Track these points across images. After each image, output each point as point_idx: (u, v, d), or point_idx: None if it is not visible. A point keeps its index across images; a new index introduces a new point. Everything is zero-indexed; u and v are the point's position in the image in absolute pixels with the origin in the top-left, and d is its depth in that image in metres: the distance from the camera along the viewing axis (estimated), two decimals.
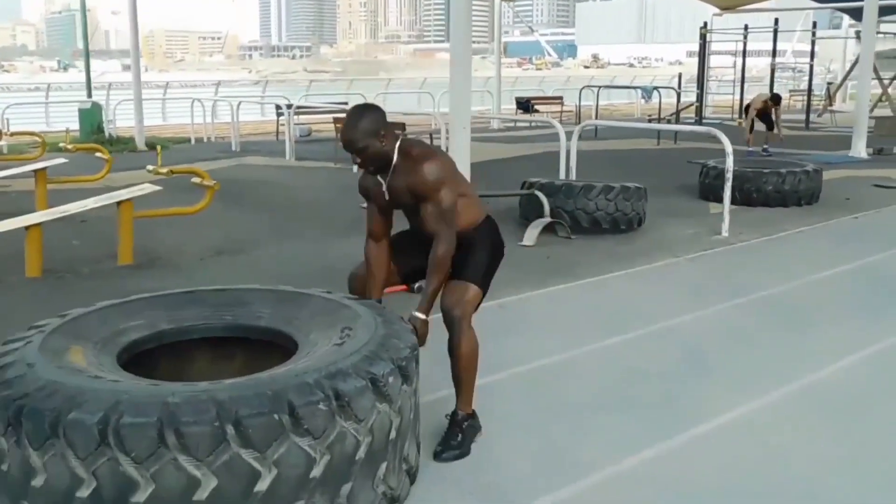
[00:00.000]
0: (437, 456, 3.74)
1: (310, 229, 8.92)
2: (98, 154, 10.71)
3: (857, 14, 24.56)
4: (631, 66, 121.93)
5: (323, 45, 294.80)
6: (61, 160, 10.09)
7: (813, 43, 23.26)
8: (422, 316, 3.67)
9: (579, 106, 22.47)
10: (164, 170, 8.43)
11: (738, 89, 22.95)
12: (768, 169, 10.36)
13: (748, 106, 15.98)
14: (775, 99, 15.95)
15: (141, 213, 7.56)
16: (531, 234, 8.13)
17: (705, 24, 21.42)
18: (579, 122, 15.71)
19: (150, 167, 8.49)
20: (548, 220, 8.29)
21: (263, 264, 7.44)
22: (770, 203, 10.03)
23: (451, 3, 9.31)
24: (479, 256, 3.85)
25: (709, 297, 6.37)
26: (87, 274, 7.04)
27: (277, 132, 19.56)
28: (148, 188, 7.76)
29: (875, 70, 19.91)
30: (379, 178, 3.78)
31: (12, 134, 15.31)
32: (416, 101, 27.23)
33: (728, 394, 4.51)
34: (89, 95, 19.43)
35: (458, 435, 3.81)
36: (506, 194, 9.01)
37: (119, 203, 7.37)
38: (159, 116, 23.81)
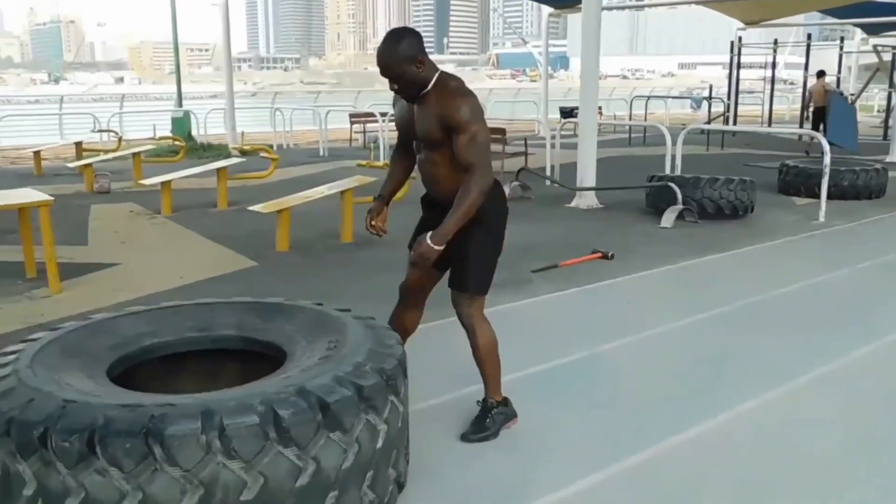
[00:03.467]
0: (464, 437, 3.94)
1: None
2: (263, 154, 12.36)
3: (870, 29, 26.48)
4: (625, 77, 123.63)
5: (311, 57, 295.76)
6: (238, 159, 11.72)
7: (840, 57, 25.03)
8: (433, 245, 3.60)
9: (630, 114, 24.41)
10: (380, 163, 10.07)
11: (766, 99, 24.66)
12: (844, 167, 11.99)
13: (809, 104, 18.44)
14: (821, 73, 18.63)
15: (361, 199, 9.17)
16: (669, 218, 9.82)
17: (740, 38, 23.16)
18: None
19: (360, 162, 10.12)
20: (681, 206, 9.97)
21: None
22: (846, 196, 11.63)
23: (582, 18, 10.90)
24: (480, 252, 3.81)
25: (841, 262, 8.10)
26: (322, 249, 8.56)
27: (351, 139, 21.20)
28: (363, 178, 9.43)
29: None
30: (413, 106, 3.76)
31: (160, 139, 17.00)
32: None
33: None
34: (180, 105, 21.09)
35: (487, 420, 3.98)
36: (642, 186, 10.68)
37: (343, 192, 9.04)
38: (221, 125, 25.12)
